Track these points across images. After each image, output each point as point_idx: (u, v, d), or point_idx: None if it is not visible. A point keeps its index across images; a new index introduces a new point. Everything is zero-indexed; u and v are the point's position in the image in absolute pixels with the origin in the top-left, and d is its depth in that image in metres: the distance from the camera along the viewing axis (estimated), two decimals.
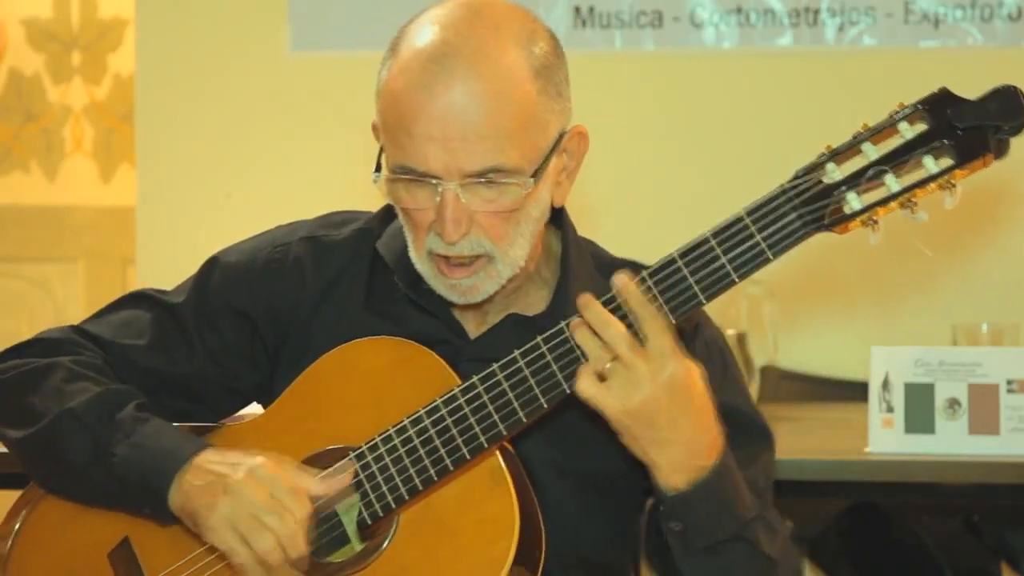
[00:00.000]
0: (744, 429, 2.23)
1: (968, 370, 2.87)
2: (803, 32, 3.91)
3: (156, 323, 2.32)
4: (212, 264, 2.34)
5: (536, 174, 2.11)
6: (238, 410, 2.36)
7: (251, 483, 2.08)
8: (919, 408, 2.87)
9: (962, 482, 2.92)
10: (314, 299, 2.29)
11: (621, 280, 2.04)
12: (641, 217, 3.88)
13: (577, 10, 3.97)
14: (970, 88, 2.05)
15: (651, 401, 2.01)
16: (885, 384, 2.88)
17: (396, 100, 2.10)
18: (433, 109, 2.07)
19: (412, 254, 2.18)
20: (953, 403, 2.87)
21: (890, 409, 2.88)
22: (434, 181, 2.09)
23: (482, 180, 2.09)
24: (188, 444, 2.17)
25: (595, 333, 2.04)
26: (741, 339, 3.40)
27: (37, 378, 2.24)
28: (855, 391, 3.50)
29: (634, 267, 2.28)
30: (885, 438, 2.87)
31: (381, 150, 2.16)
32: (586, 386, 2.03)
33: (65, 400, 2.20)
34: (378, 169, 2.16)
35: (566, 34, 3.94)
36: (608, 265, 2.28)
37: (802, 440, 3.20)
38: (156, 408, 2.23)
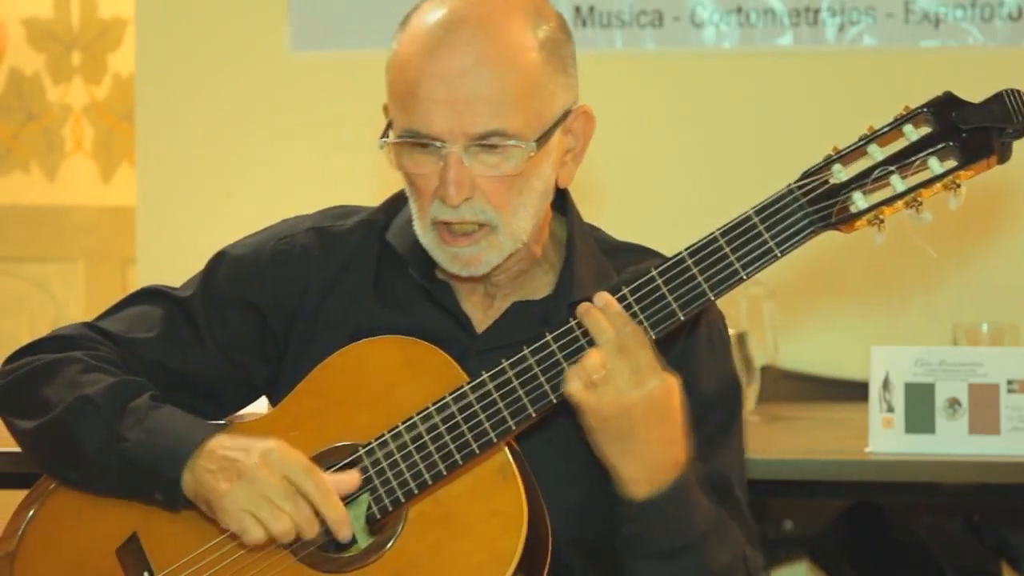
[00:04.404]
0: (727, 405, 2.28)
1: (968, 370, 2.88)
2: (803, 32, 3.91)
3: (167, 317, 2.33)
4: (219, 258, 2.36)
5: (540, 141, 2.14)
6: (248, 404, 2.37)
7: (264, 468, 2.10)
8: (919, 408, 2.87)
9: (962, 482, 2.92)
10: (321, 288, 2.30)
11: (602, 299, 2.07)
12: (641, 216, 3.88)
13: (577, 10, 3.97)
14: (971, 88, 2.05)
15: (629, 410, 2.06)
16: (885, 384, 2.89)
17: (404, 66, 2.15)
18: (439, 72, 2.12)
19: (417, 226, 2.20)
20: (953, 403, 2.87)
21: (890, 409, 2.88)
22: (438, 144, 2.13)
23: (485, 144, 2.12)
24: (200, 428, 2.18)
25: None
26: (741, 339, 3.41)
27: (52, 371, 2.26)
28: (855, 391, 3.50)
29: (638, 251, 2.33)
30: (885, 438, 2.88)
31: (388, 124, 2.20)
32: (576, 388, 2.07)
33: (79, 389, 2.22)
34: (384, 136, 2.19)
35: None
36: (613, 249, 2.32)
37: (802, 440, 3.20)
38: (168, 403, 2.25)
